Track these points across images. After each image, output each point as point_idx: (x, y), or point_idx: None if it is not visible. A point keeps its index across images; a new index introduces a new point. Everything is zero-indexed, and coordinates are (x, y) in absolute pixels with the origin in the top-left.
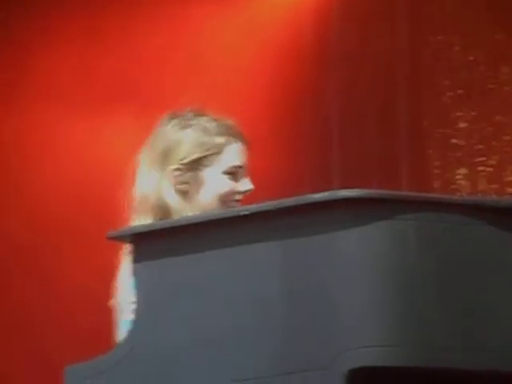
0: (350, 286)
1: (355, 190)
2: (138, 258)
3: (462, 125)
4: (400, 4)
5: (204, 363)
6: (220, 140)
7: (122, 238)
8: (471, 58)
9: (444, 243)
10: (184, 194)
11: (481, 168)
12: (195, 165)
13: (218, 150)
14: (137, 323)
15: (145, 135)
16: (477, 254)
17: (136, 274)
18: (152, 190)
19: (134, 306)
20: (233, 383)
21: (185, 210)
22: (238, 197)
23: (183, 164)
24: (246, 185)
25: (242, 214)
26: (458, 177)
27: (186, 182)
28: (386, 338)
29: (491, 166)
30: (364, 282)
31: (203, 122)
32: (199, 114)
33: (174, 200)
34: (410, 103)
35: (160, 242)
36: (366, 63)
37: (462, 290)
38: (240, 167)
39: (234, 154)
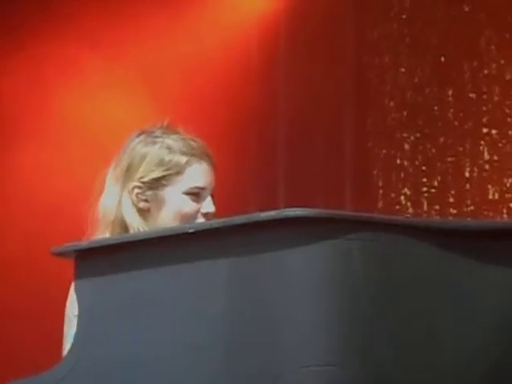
0: (294, 306)
1: (301, 209)
2: (80, 275)
3: (406, 146)
4: (347, 25)
5: (144, 380)
6: (182, 159)
7: (65, 254)
8: (416, 80)
9: (388, 263)
10: (145, 212)
11: (424, 189)
12: (156, 183)
13: (178, 170)
14: (79, 340)
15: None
16: (421, 274)
17: (78, 290)
18: (113, 206)
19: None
20: None
21: (143, 228)
22: (200, 218)
23: (143, 182)
24: (206, 207)
25: (187, 231)
26: (401, 197)
27: (146, 200)
28: (330, 359)
29: (434, 188)
30: (309, 302)
31: (169, 140)
32: (168, 131)
33: (132, 217)
34: (356, 124)
35: (104, 258)
36: (313, 84)
37: (407, 310)
38: (202, 188)
39: (196, 174)
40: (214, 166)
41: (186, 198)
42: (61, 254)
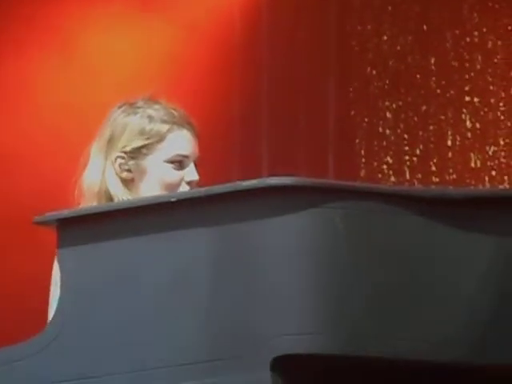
0: (275, 274)
1: (283, 177)
2: (62, 244)
3: (388, 114)
4: None
5: (129, 347)
6: (163, 127)
7: (48, 223)
8: (398, 48)
9: (370, 232)
10: (129, 182)
11: (406, 157)
12: (137, 153)
13: (159, 138)
14: (62, 309)
15: None
16: (404, 242)
17: (60, 259)
18: (97, 177)
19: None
20: (156, 370)
21: (127, 198)
22: (183, 187)
23: (125, 152)
24: (189, 175)
25: (170, 200)
26: (383, 166)
27: (129, 170)
28: (310, 326)
29: (416, 156)
30: (290, 270)
31: (151, 109)
32: (150, 102)
33: (116, 188)
34: (338, 92)
35: (86, 227)
36: (295, 52)
37: (388, 279)
38: (185, 156)
39: (178, 142)
40: (197, 136)
41: (168, 166)
42: (43, 223)
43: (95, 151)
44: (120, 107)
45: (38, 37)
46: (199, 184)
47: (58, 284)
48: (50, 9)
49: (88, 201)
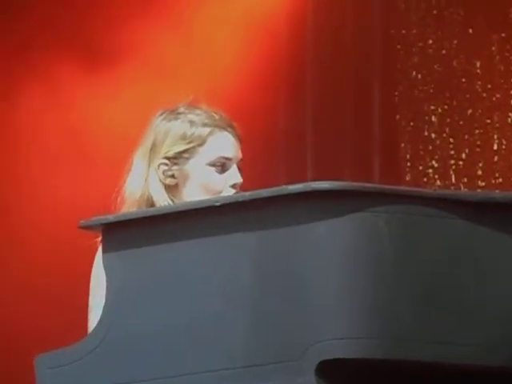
0: (321, 278)
1: (328, 181)
2: (108, 248)
3: (434, 118)
4: None
5: (176, 351)
6: (204, 131)
7: (93, 228)
8: (444, 52)
9: (415, 236)
10: (172, 188)
11: (452, 161)
12: (180, 157)
13: (201, 142)
14: (108, 313)
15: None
16: (448, 247)
17: (106, 263)
18: (140, 184)
19: (101, 292)
20: (203, 373)
21: (170, 204)
22: (227, 190)
23: (168, 157)
24: (233, 177)
25: (214, 204)
26: (429, 170)
27: (172, 176)
28: (355, 331)
29: (462, 160)
30: (336, 274)
31: (192, 114)
32: (191, 107)
33: (159, 194)
34: (383, 96)
35: (131, 231)
36: (341, 56)
37: (434, 283)
38: (227, 158)
39: (219, 144)
40: (240, 139)
41: (211, 169)
42: (89, 227)
43: (138, 158)
44: (161, 114)
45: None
46: (243, 187)
47: (97, 289)
48: None
49: (129, 207)
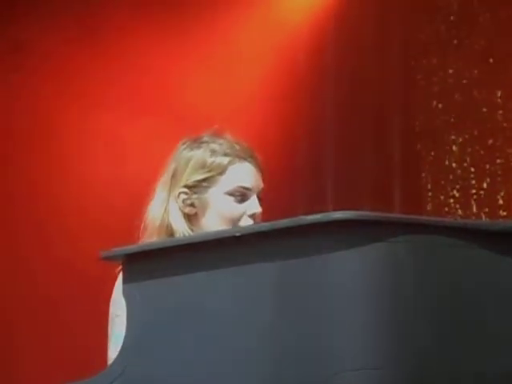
0: (342, 308)
1: (348, 211)
2: (128, 279)
3: (454, 148)
4: (394, 27)
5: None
6: (224, 160)
7: (115, 258)
8: (464, 82)
9: (436, 266)
10: (192, 217)
11: (473, 191)
12: (199, 186)
13: (220, 171)
14: (126, 344)
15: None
16: (470, 277)
17: (126, 294)
18: (160, 212)
19: (120, 320)
20: None
21: (188, 234)
22: (245, 220)
23: (188, 186)
24: (251, 207)
25: (234, 235)
26: (450, 200)
27: (192, 205)
28: (377, 362)
29: (483, 190)
30: (356, 305)
31: (215, 144)
32: (215, 136)
33: (178, 223)
34: (404, 126)
35: (151, 262)
36: (361, 87)
37: (455, 313)
38: (246, 189)
39: (239, 174)
40: (261, 169)
41: (230, 198)
42: (110, 258)
43: (160, 186)
44: (185, 143)
45: None
46: (263, 218)
47: (116, 318)
48: None
49: (149, 235)
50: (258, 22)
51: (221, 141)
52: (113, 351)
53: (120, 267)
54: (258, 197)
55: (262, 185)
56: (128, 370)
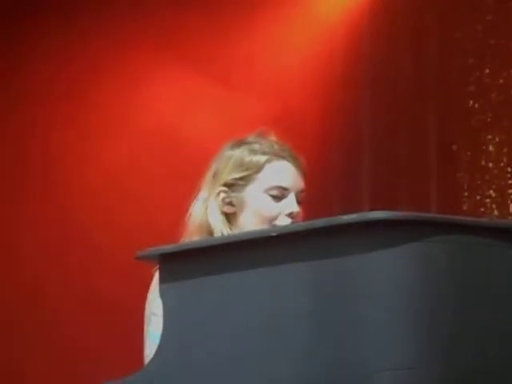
0: (377, 308)
1: (384, 211)
2: (165, 279)
3: (491, 148)
4: (430, 27)
5: None
6: (261, 158)
7: (150, 258)
8: (501, 81)
9: (473, 266)
10: (230, 215)
11: (510, 191)
12: (237, 185)
13: (257, 169)
14: (163, 344)
15: None
16: (506, 277)
17: (162, 293)
18: (200, 211)
19: (156, 319)
20: None
21: (227, 232)
22: (282, 219)
23: (227, 185)
24: (289, 206)
25: (270, 234)
26: (486, 200)
27: (231, 204)
28: (414, 361)
29: None
30: (392, 305)
31: (256, 144)
32: (259, 137)
33: (216, 221)
34: (440, 126)
35: (187, 262)
36: (396, 85)
37: (491, 314)
38: (283, 188)
39: (276, 173)
40: (303, 170)
41: (267, 197)
42: (146, 258)
43: (203, 185)
44: (230, 143)
45: None
46: (299, 219)
47: (152, 316)
48: None
49: (190, 234)
50: (295, 18)
51: (263, 141)
52: (149, 350)
53: (156, 267)
54: (297, 198)
55: (302, 186)
56: (165, 369)
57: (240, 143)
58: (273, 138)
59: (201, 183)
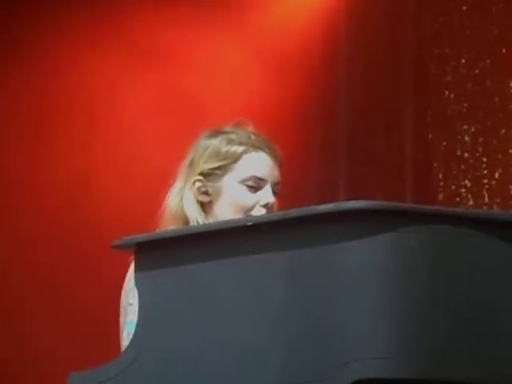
0: (354, 297)
1: (360, 201)
2: (140, 267)
3: (467, 138)
4: (406, 17)
5: (206, 374)
6: (238, 149)
7: (126, 247)
8: (477, 72)
9: (448, 256)
10: (206, 205)
11: (485, 181)
12: (214, 174)
13: (234, 159)
14: (139, 333)
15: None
16: (481, 266)
17: (138, 283)
18: (176, 200)
19: (132, 308)
20: None
21: (202, 222)
22: (258, 209)
23: (203, 174)
24: (264, 197)
25: (246, 224)
26: (462, 190)
27: (206, 193)
28: (389, 350)
29: (495, 180)
30: (368, 294)
31: (233, 134)
32: (236, 127)
33: (192, 211)
34: (416, 115)
35: (162, 251)
36: (372, 75)
37: (466, 302)
38: (260, 179)
39: (253, 163)
40: (279, 161)
41: (243, 187)
42: (121, 247)
43: (178, 175)
44: (205, 133)
45: None
46: (276, 208)
47: (128, 307)
48: None
49: (165, 223)
50: (269, 9)
51: (240, 131)
52: (127, 341)
53: (132, 256)
54: (273, 189)
55: (278, 177)
56: (140, 358)
57: (217, 133)
58: (250, 128)
59: (176, 173)
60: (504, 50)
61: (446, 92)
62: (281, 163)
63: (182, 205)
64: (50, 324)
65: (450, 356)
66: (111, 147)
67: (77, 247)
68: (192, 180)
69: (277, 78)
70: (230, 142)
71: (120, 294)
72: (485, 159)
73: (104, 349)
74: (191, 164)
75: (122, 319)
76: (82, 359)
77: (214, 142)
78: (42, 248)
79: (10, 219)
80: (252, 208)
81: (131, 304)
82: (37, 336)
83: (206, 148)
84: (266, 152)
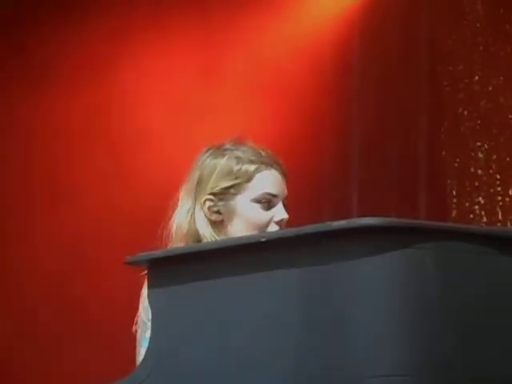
0: (366, 315)
1: (373, 218)
2: (153, 284)
3: (480, 155)
4: (421, 34)
5: None
6: (251, 167)
7: (139, 264)
8: (490, 89)
9: (461, 273)
10: (218, 224)
11: (499, 198)
12: (226, 193)
13: (247, 178)
14: (151, 349)
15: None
16: (495, 284)
17: (151, 299)
18: (186, 219)
19: (149, 325)
20: None
21: (215, 239)
22: (272, 226)
23: (214, 193)
24: (278, 214)
25: (260, 240)
26: (475, 206)
27: (218, 212)
28: (401, 368)
29: (509, 196)
30: (381, 311)
31: (238, 151)
32: (237, 144)
33: (205, 230)
34: (430, 133)
35: (176, 267)
36: (386, 93)
37: (480, 320)
38: (273, 195)
39: (265, 181)
40: (285, 176)
41: (256, 205)
42: (135, 263)
43: (184, 194)
44: (207, 150)
45: None
46: (288, 224)
47: (146, 326)
48: None
49: (176, 242)
50: (283, 21)
51: (244, 148)
52: (142, 356)
53: (145, 271)
54: (283, 203)
55: (286, 191)
56: (154, 373)
57: (221, 151)
58: (250, 144)
59: (179, 192)
60: None
61: (460, 109)
62: (287, 177)
63: (193, 224)
64: (64, 338)
65: (461, 373)
66: None
67: (89, 259)
68: (202, 199)
69: (288, 93)
70: (240, 160)
71: (131, 308)
72: (498, 176)
73: (118, 361)
74: (199, 183)
75: (139, 333)
76: (95, 371)
77: (222, 161)
78: (55, 260)
79: (24, 231)
80: (267, 225)
81: (150, 320)
82: (49, 348)
83: (214, 167)
84: (275, 168)
